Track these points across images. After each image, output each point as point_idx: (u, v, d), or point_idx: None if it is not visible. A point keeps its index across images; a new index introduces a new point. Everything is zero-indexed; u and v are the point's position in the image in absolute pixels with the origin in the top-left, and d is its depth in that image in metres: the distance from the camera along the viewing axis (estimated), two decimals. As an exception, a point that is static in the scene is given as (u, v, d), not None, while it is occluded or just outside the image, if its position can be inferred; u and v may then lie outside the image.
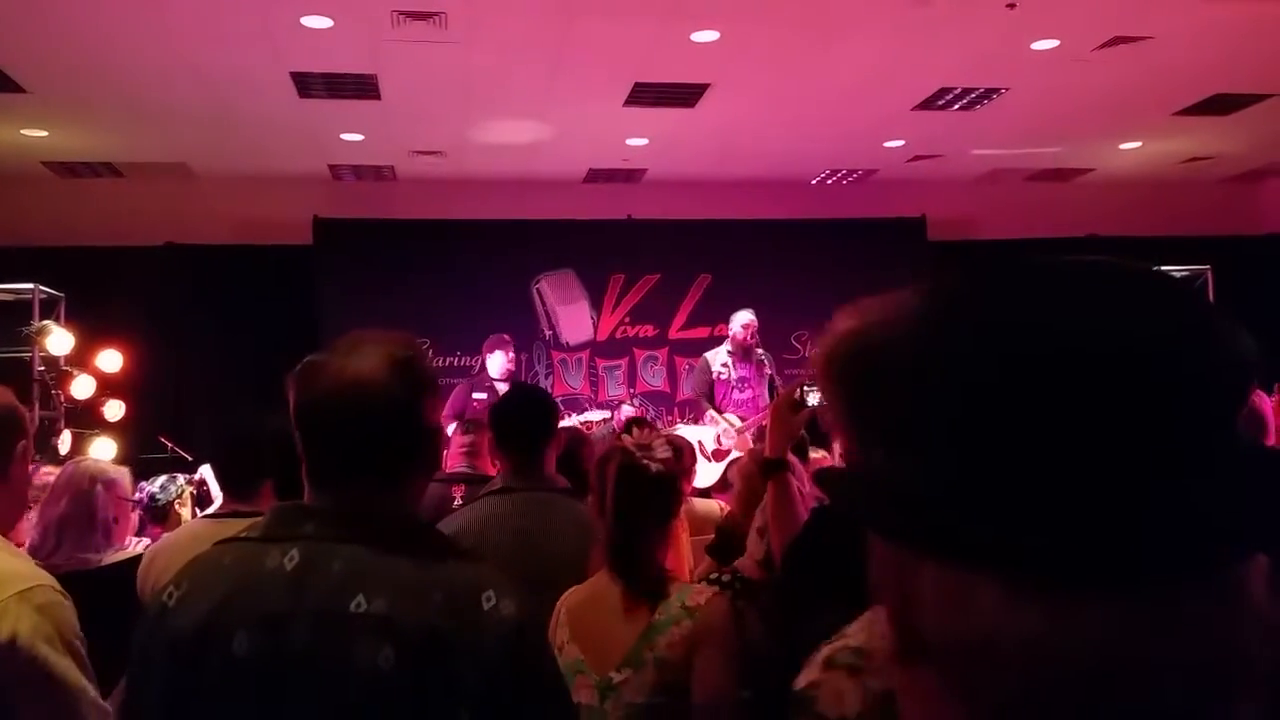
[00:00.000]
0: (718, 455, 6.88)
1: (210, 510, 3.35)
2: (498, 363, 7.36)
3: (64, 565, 2.76)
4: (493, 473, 3.67)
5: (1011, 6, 5.82)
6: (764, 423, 6.73)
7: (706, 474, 6.44)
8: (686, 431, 6.96)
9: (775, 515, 2.18)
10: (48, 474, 3.61)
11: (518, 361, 8.92)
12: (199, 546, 2.47)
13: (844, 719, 0.90)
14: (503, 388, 7.28)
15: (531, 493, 2.61)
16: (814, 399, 2.18)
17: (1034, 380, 0.50)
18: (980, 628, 0.50)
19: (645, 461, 2.09)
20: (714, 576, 2.42)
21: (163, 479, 3.99)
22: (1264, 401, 3.22)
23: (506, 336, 7.59)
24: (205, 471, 4.15)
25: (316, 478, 1.40)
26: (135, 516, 3.66)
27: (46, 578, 1.79)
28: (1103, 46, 6.45)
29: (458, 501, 3.38)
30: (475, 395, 7.27)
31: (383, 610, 1.26)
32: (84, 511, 2.84)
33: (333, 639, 1.26)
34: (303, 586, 1.29)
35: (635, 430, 2.23)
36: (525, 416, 2.70)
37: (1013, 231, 9.72)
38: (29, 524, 3.15)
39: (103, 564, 2.83)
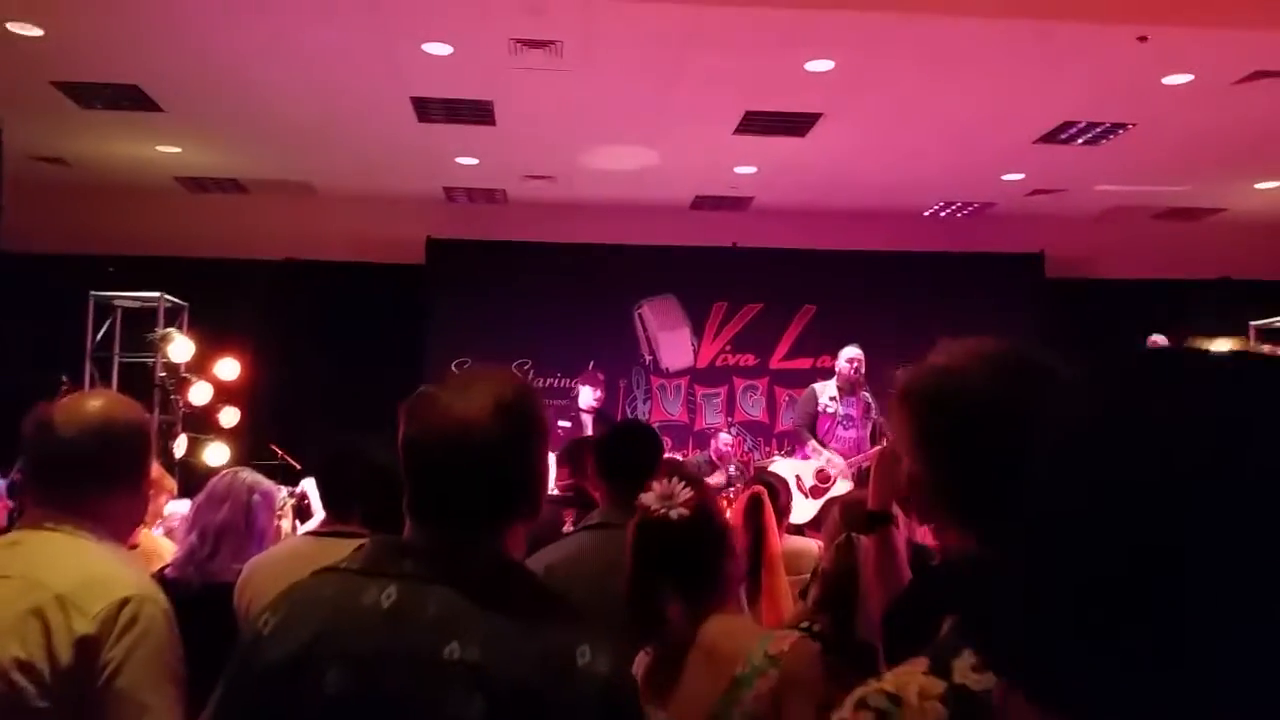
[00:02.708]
0: (815, 492, 6.71)
1: (311, 526, 3.39)
2: (587, 396, 7.47)
3: (219, 574, 2.81)
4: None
5: (1143, 39, 5.58)
6: (865, 464, 6.57)
7: (803, 510, 6.30)
8: (783, 466, 6.83)
9: (877, 573, 2.07)
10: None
11: (615, 386, 8.96)
12: (299, 563, 2.48)
13: None
14: (587, 419, 7.37)
15: None
16: None
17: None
18: None
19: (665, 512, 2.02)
20: (804, 625, 2.32)
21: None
22: None
23: (600, 375, 7.69)
24: (308, 485, 4.23)
25: (417, 512, 1.38)
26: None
27: (152, 589, 1.79)
28: (1241, 81, 6.14)
29: (568, 526, 3.37)
30: (560, 423, 7.39)
31: (476, 659, 1.24)
32: (242, 521, 2.91)
33: (425, 685, 1.24)
34: (398, 627, 1.28)
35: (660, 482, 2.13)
36: (631, 450, 2.65)
37: (1137, 271, 9.32)
38: (181, 525, 3.23)
39: None
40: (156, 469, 3.77)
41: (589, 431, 7.42)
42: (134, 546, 3.13)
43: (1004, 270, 9.29)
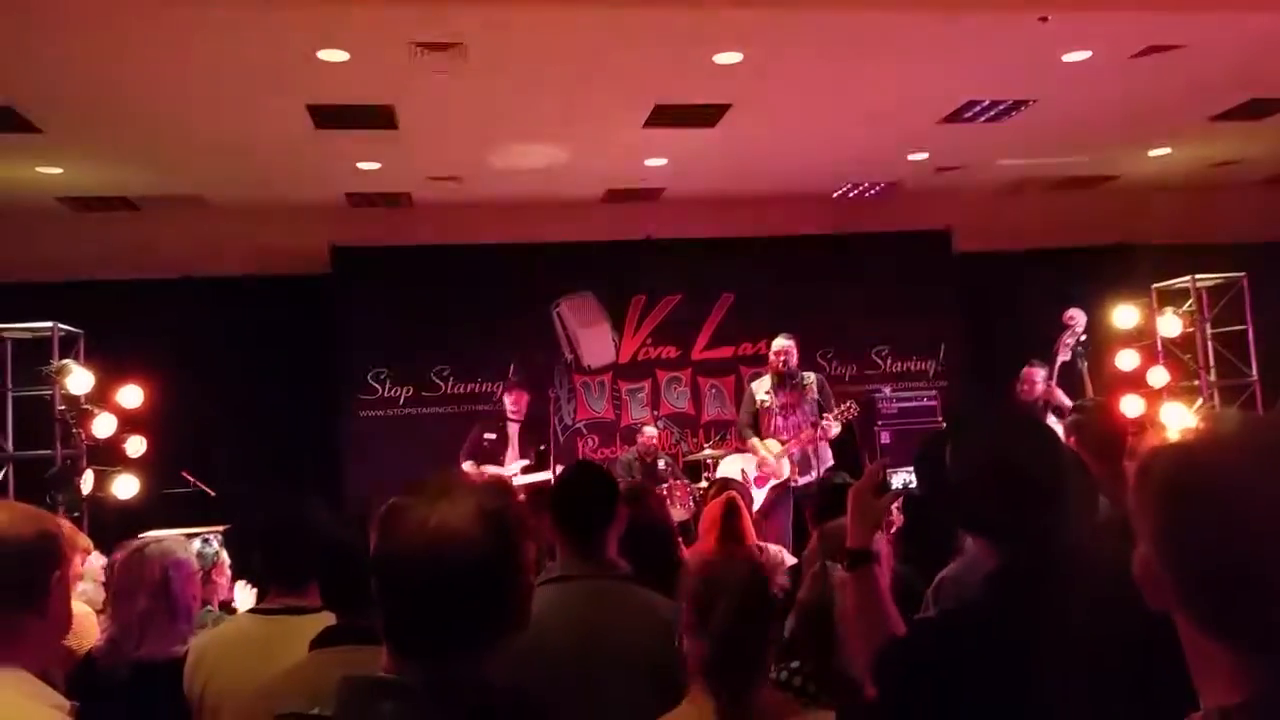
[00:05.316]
0: (759, 481, 6.81)
1: (260, 600, 3.17)
2: (508, 404, 7.53)
3: (149, 654, 2.65)
4: None
5: (1044, 20, 5.67)
6: (805, 446, 6.63)
7: (757, 499, 6.52)
8: (731, 462, 6.93)
9: (859, 613, 2.00)
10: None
11: (539, 388, 8.87)
12: (250, 646, 2.38)
13: None
14: (513, 430, 7.34)
15: (592, 580, 2.40)
16: (899, 480, 2.05)
17: None
18: None
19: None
20: (783, 677, 2.25)
21: (198, 543, 3.82)
22: None
23: (515, 379, 7.83)
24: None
25: (397, 640, 1.25)
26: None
27: None
28: (1136, 56, 6.29)
29: None
30: (486, 435, 7.33)
31: None
32: (163, 605, 2.71)
33: None
34: None
35: None
36: (585, 496, 2.51)
37: (1041, 240, 9.53)
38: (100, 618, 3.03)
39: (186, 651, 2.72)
40: (69, 527, 3.56)
41: (515, 442, 7.38)
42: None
43: (914, 246, 9.40)
